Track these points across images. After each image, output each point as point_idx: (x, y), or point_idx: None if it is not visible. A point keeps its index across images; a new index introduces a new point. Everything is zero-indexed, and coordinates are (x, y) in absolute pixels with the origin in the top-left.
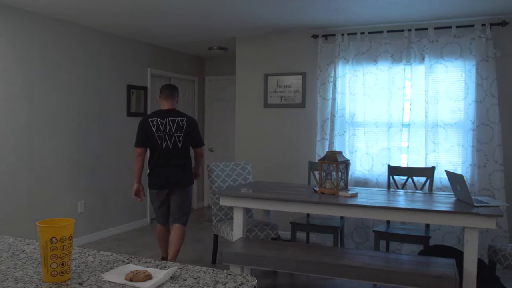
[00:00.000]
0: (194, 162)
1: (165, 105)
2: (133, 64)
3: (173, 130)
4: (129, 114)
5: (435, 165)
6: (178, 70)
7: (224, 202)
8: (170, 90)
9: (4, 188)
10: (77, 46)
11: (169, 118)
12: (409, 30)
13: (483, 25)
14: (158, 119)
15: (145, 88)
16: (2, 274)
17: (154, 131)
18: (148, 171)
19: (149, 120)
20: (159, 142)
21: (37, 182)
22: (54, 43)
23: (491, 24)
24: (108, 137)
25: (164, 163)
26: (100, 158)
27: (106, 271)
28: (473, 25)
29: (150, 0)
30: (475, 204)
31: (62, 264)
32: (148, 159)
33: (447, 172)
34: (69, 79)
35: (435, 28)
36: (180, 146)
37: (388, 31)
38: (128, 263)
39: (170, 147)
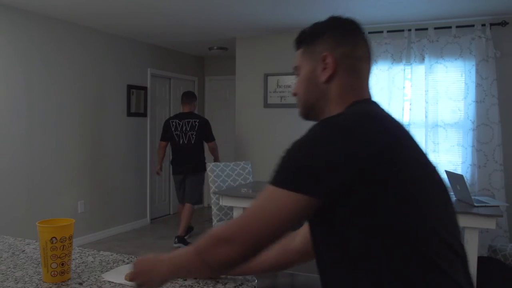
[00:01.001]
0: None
1: (185, 109)
2: (133, 64)
3: (188, 129)
4: (129, 114)
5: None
6: (178, 70)
7: (224, 202)
8: (188, 97)
9: (4, 188)
10: (77, 46)
11: (186, 120)
12: (409, 30)
13: (483, 25)
14: (177, 120)
15: (145, 88)
16: (2, 274)
17: (173, 129)
18: (170, 159)
19: (170, 121)
20: (177, 139)
21: (37, 182)
22: (54, 43)
23: (491, 24)
24: (108, 137)
25: (181, 155)
26: (100, 158)
27: (106, 271)
28: (473, 25)
29: (150, 0)
30: (475, 204)
31: (62, 264)
32: (171, 152)
33: (447, 172)
34: (69, 79)
35: (435, 28)
36: (193, 142)
37: (388, 31)
38: (128, 263)
39: (186, 142)
